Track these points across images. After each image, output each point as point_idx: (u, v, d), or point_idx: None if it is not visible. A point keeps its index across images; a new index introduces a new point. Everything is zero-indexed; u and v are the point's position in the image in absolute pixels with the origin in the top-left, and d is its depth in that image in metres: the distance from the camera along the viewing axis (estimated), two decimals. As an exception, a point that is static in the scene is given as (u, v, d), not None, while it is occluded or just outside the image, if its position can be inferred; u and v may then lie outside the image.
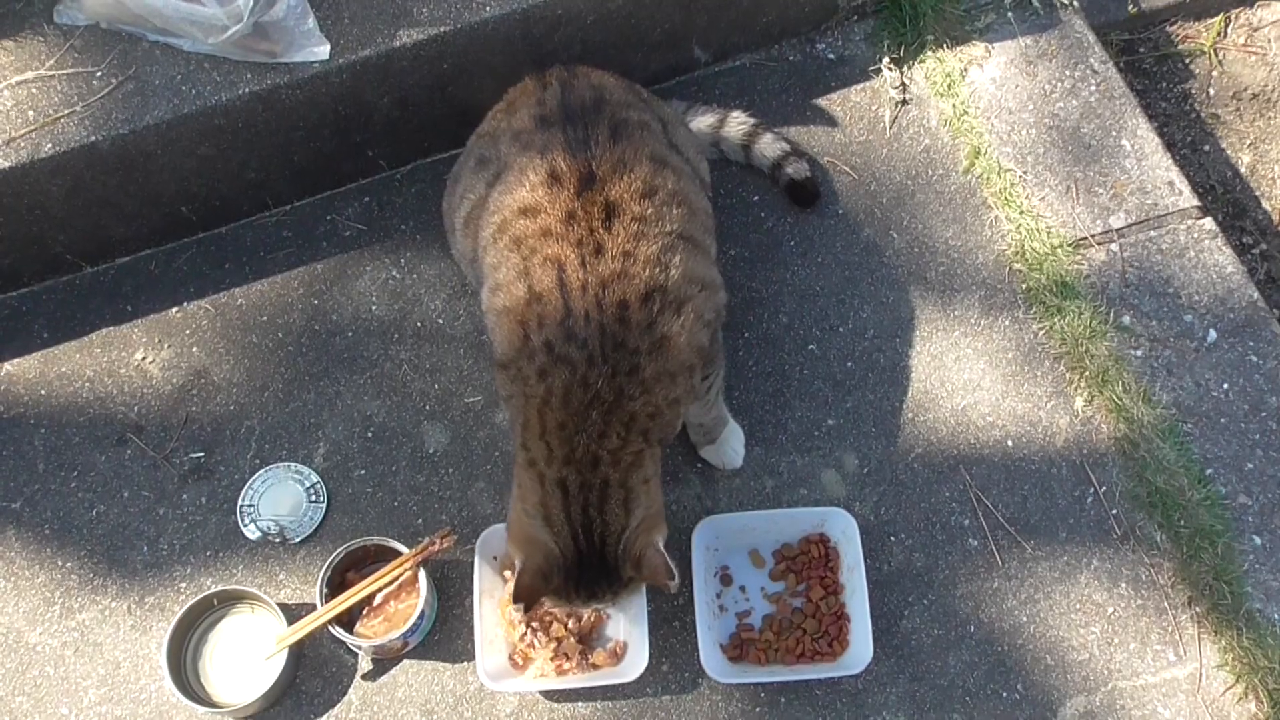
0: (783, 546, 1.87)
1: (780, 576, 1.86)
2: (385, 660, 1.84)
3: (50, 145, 1.89)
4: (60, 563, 1.91)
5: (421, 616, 1.80)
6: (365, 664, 1.84)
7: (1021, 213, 2.07)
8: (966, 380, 1.98)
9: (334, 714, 1.81)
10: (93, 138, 1.89)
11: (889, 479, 1.92)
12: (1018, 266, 2.05)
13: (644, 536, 1.55)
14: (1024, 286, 2.03)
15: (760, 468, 1.93)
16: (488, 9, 1.95)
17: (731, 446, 1.90)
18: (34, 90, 1.91)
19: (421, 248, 2.10)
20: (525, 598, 1.51)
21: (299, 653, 1.85)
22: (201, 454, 1.97)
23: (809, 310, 2.03)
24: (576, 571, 1.55)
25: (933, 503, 1.90)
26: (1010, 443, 1.94)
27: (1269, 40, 2.44)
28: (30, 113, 1.90)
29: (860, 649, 1.76)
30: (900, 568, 1.87)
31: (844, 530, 1.83)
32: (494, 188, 1.69)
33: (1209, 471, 1.88)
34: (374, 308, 2.06)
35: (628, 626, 1.81)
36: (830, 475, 1.93)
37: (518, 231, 1.61)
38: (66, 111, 1.89)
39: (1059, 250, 2.03)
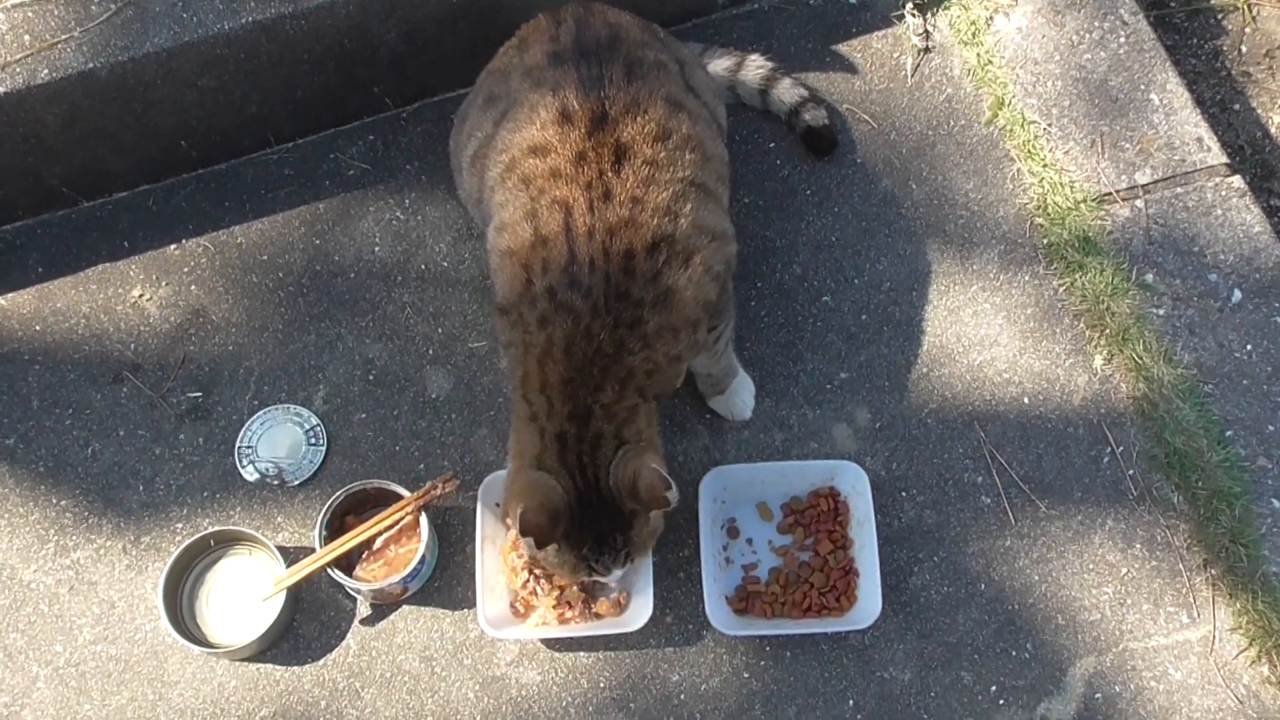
0: (791, 500, 1.89)
1: (788, 530, 1.88)
2: (384, 605, 1.86)
3: (47, 71, 1.88)
4: (55, 500, 1.93)
5: (422, 562, 1.81)
6: (364, 609, 1.86)
7: (1044, 166, 2.07)
8: (983, 336, 1.99)
9: (331, 658, 1.84)
10: (91, 65, 1.88)
11: (901, 434, 1.93)
12: (1039, 221, 2.06)
13: (634, 459, 1.55)
14: (1045, 242, 2.04)
15: (770, 420, 1.94)
16: (502, -59, 1.94)
17: (741, 398, 1.91)
18: (30, 14, 1.90)
19: (427, 189, 2.10)
20: (534, 532, 1.51)
21: (296, 596, 1.87)
22: (199, 394, 1.98)
23: (824, 261, 2.04)
24: (580, 511, 1.57)
25: (946, 459, 1.92)
26: (1027, 400, 1.95)
27: (1306, -4, 2.44)
28: (26, 37, 1.89)
29: (868, 604, 1.78)
30: (911, 524, 1.88)
31: (854, 484, 1.85)
32: (502, 125, 1.69)
33: (1229, 433, 1.89)
34: (377, 249, 2.06)
35: (632, 576, 1.81)
36: (842, 429, 1.94)
37: (526, 171, 1.61)
38: (64, 37, 1.88)
39: (1082, 205, 2.03)
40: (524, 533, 1.51)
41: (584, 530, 1.58)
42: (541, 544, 1.54)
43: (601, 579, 1.68)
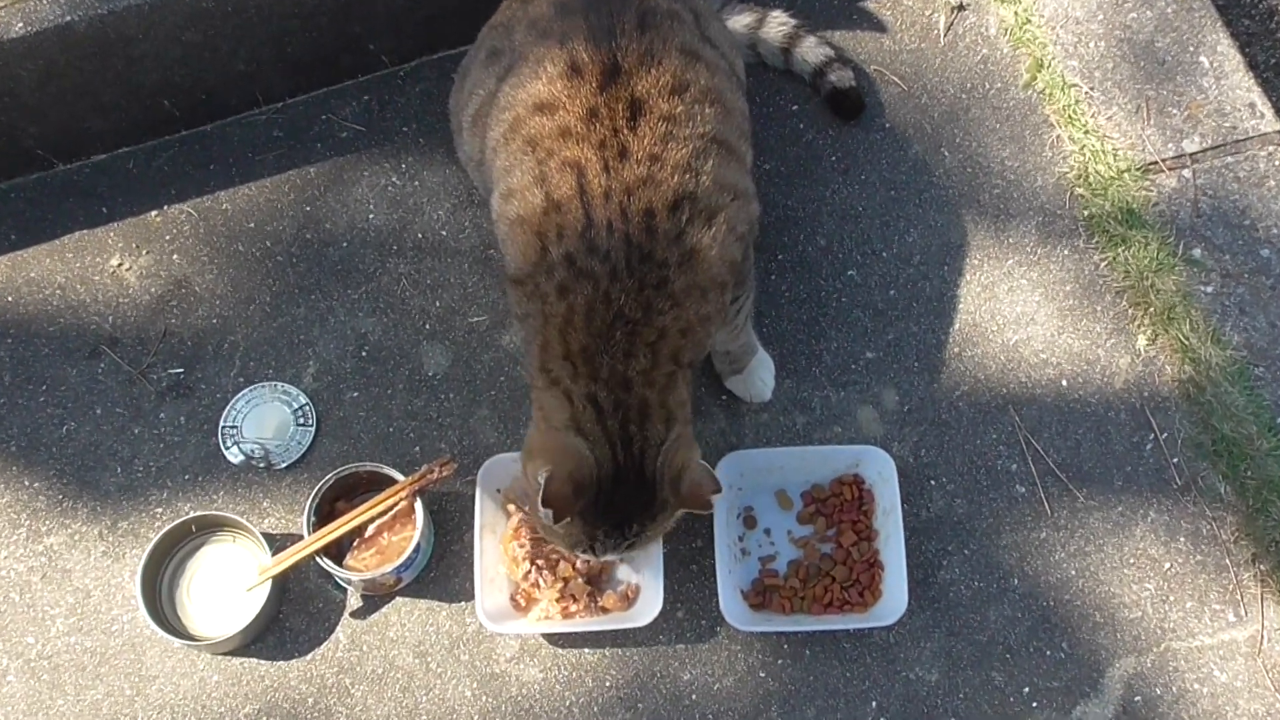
0: (813, 487, 1.87)
1: (809, 519, 1.86)
2: (376, 597, 1.85)
3: (21, 25, 1.86)
4: (27, 483, 1.91)
5: (417, 550, 1.80)
6: (354, 600, 1.85)
7: (1086, 133, 2.05)
8: (1019, 313, 1.97)
9: (319, 653, 1.82)
10: (68, 17, 1.86)
11: (931, 418, 1.91)
12: (1080, 191, 2.03)
13: (685, 451, 1.54)
14: (1086, 213, 2.02)
15: (790, 402, 1.92)
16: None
17: (760, 377, 1.90)
18: (3, -36, 1.88)
19: (425, 152, 2.08)
20: (556, 504, 1.48)
21: (283, 586, 1.85)
22: (181, 370, 1.96)
23: (849, 232, 2.01)
24: (611, 488, 1.54)
25: (978, 445, 1.90)
26: (1065, 382, 1.93)
27: (1365, -47, 2.38)
28: (-1, -12, 1.88)
29: (893, 600, 1.76)
30: (940, 514, 1.86)
31: (880, 471, 1.83)
32: (506, 81, 1.67)
33: (1281, 420, 1.88)
34: (371, 217, 2.04)
35: (641, 568, 1.81)
36: (867, 412, 1.92)
37: (532, 131, 1.59)
38: (39, -12, 1.87)
39: (1126, 175, 2.01)
40: (545, 502, 1.48)
41: (608, 510, 1.56)
42: (560, 518, 1.51)
43: (591, 558, 1.67)
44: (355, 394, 1.94)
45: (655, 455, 1.54)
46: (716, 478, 1.51)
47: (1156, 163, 2.01)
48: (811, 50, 2.06)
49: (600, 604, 1.80)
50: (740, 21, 2.04)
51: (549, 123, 1.57)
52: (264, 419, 1.93)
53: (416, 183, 2.06)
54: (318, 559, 1.79)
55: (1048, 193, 2.03)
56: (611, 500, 1.55)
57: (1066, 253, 2.00)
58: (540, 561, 1.80)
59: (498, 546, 1.82)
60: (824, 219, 2.02)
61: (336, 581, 1.85)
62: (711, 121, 1.59)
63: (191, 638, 1.81)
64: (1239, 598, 1.81)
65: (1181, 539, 1.84)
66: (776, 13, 2.06)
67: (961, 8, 2.15)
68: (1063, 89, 2.07)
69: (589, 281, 1.51)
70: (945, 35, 2.13)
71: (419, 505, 1.80)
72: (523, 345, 1.64)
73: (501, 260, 1.69)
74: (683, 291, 1.53)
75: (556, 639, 1.81)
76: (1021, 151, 2.06)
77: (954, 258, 2.00)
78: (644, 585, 1.80)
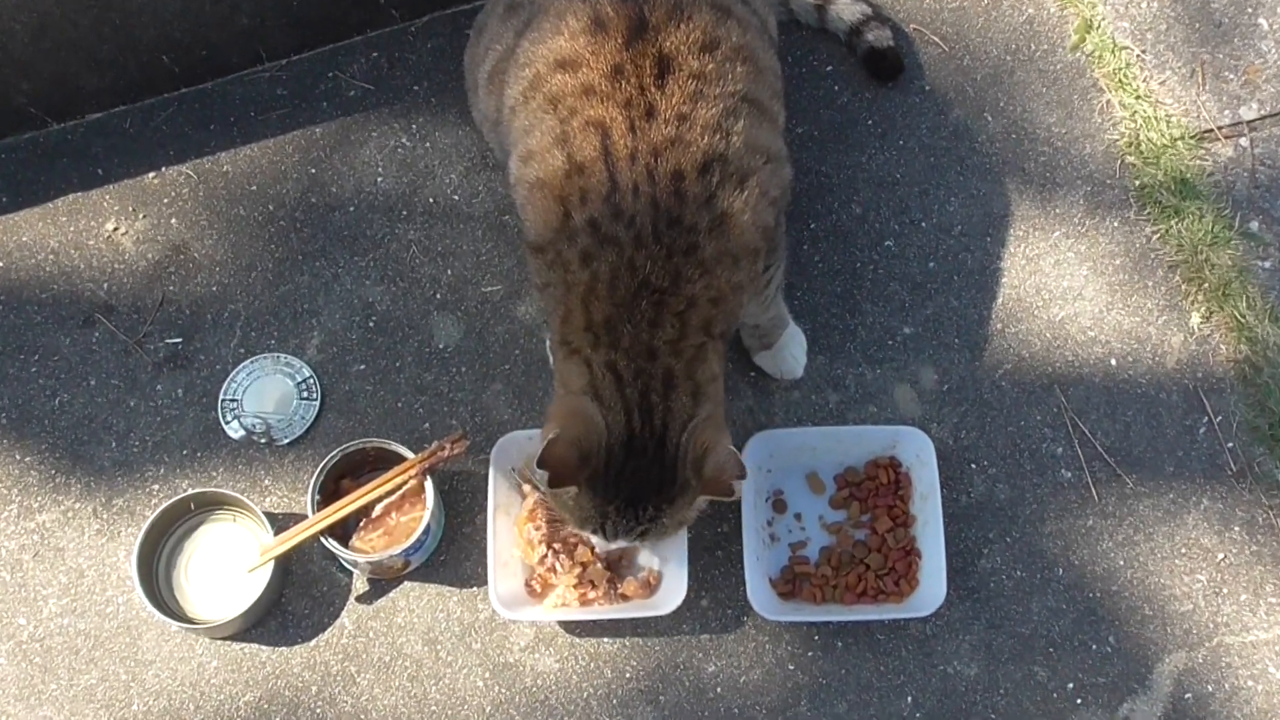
0: (846, 470, 1.86)
1: (842, 504, 1.85)
2: (383, 581, 1.83)
3: None
4: (18, 457, 1.90)
5: (426, 532, 1.78)
6: (360, 584, 1.84)
7: (1137, 98, 2.02)
8: (1066, 288, 1.95)
9: (324, 639, 1.81)
10: None
11: (972, 398, 1.90)
12: (1131, 160, 2.01)
13: (712, 431, 1.51)
14: (1137, 183, 2.00)
15: (823, 379, 1.90)
16: None
17: (791, 353, 1.88)
18: (-6, -92, 1.87)
19: (437, 112, 2.06)
20: (555, 467, 1.45)
21: (285, 568, 1.84)
22: (179, 340, 1.95)
23: (887, 201, 1.99)
24: (623, 459, 1.51)
25: (1021, 427, 1.88)
26: (1114, 362, 1.91)
27: None
28: (-10, -65, 1.86)
29: (931, 589, 1.75)
30: (981, 499, 1.85)
31: (918, 453, 1.81)
32: (525, 36, 1.64)
33: (1345, 403, 1.86)
34: (380, 180, 2.03)
35: (664, 554, 1.79)
36: (904, 391, 1.90)
37: (554, 89, 1.56)
38: (32, -66, 1.85)
39: (1179, 143, 1.99)
40: (542, 463, 1.45)
41: (619, 483, 1.52)
42: (557, 483, 1.48)
43: (601, 541, 1.64)
44: (362, 366, 1.93)
45: (679, 430, 1.51)
46: (743, 463, 1.47)
47: (1212, 130, 1.99)
48: (847, 8, 2.03)
49: (620, 591, 1.77)
50: (772, -24, 2.00)
51: (571, 80, 1.54)
52: (266, 392, 1.91)
53: (428, 144, 2.04)
54: (322, 540, 1.78)
55: (1097, 161, 2.01)
56: (623, 473, 1.52)
57: (1116, 224, 1.98)
58: (557, 545, 1.77)
59: (512, 529, 1.80)
60: (860, 186, 2.00)
61: (341, 564, 1.83)
62: (743, 80, 1.57)
63: (189, 621, 1.79)
64: (1297, 591, 1.80)
65: (1236, 528, 1.82)
66: (811, -33, 2.03)
67: (1006, -36, 2.11)
68: (1113, 51, 2.04)
69: (613, 248, 1.49)
70: (989, -7, 2.11)
71: (429, 484, 1.78)
72: (543, 316, 1.62)
73: (519, 227, 1.66)
74: (713, 258, 1.51)
75: (573, 627, 1.80)
76: (1069, 117, 2.03)
77: (997, 228, 1.98)
78: (667, 572, 1.78)
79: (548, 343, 1.85)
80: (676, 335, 1.50)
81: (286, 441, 1.89)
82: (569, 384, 1.54)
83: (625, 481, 1.52)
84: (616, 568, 1.79)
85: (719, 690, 1.77)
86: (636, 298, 1.49)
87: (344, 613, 1.81)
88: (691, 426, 1.51)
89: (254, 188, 2.02)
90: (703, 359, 1.53)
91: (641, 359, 1.50)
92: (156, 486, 1.87)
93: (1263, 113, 1.99)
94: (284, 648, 1.80)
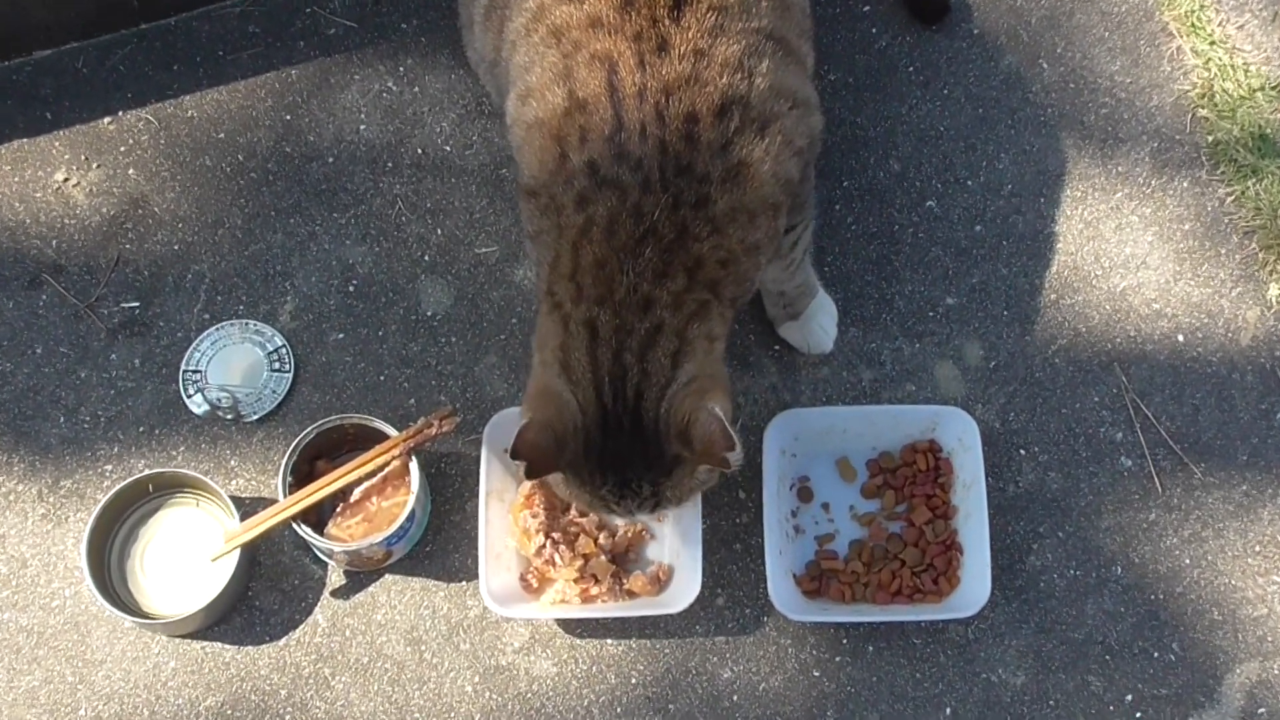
0: (880, 455, 1.87)
1: (875, 493, 1.86)
2: (362, 573, 1.85)
3: None
4: None
5: (411, 519, 1.79)
6: (337, 576, 1.85)
7: (1211, 44, 2.04)
8: (1129, 255, 1.96)
9: (295, 637, 1.82)
10: None
11: (1022, 376, 1.91)
12: (1203, 113, 2.02)
13: (694, 397, 1.52)
14: (1210, 139, 2.01)
15: (856, 354, 1.92)
16: None
17: (819, 324, 1.90)
18: None
19: (427, 53, 2.08)
20: (527, 455, 1.48)
21: (252, 557, 1.85)
22: (136, 304, 1.97)
23: (929, 156, 2.01)
24: (600, 439, 1.52)
25: (1077, 409, 1.89)
26: (1181, 338, 1.92)
27: None
28: None
29: (973, 588, 1.76)
30: (1031, 489, 1.86)
31: (961, 437, 1.82)
32: None
33: None
34: (363, 128, 2.04)
35: (676, 546, 1.81)
36: (946, 368, 1.91)
37: (557, 21, 1.58)
38: None
39: (1259, 94, 2.00)
40: (515, 453, 1.48)
41: (603, 464, 1.54)
42: (535, 473, 1.51)
43: (619, 520, 1.66)
44: (340, 335, 1.94)
45: (656, 400, 1.52)
46: (729, 431, 1.47)
47: (1295, 81, 2.02)
48: (887, -60, 2.05)
49: (626, 587, 1.79)
50: (803, -96, 2.01)
51: (577, 12, 1.56)
52: (233, 363, 1.93)
53: (416, 89, 2.05)
54: (294, 526, 1.79)
55: (1165, 114, 2.03)
56: (604, 453, 1.54)
57: (1186, 185, 1.99)
58: (556, 535, 1.79)
59: (506, 516, 1.82)
60: (899, 140, 2.01)
61: (315, 554, 1.84)
62: (768, 15, 1.58)
63: (145, 616, 1.81)
64: (1384, 596, 1.82)
65: (1317, 525, 1.85)
66: (846, -106, 2.05)
67: (1065, -106, 2.13)
68: (1185, -9, 2.07)
69: (614, 192, 1.50)
70: (1046, -74, 2.12)
71: (414, 466, 1.80)
72: (534, 268, 1.64)
73: (516, 176, 1.68)
74: (726, 214, 1.52)
75: (574, 627, 1.81)
76: (1134, 65, 2.05)
77: (1052, 189, 1.99)
78: (678, 566, 1.79)
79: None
80: (682, 287, 1.51)
81: (255, 418, 1.90)
82: (543, 346, 1.56)
83: (609, 462, 1.54)
84: (622, 561, 1.81)
85: (735, 699, 1.78)
86: (639, 245, 1.50)
87: (318, 608, 1.82)
88: (670, 394, 1.52)
89: (221, 135, 2.03)
90: (703, 317, 1.54)
91: (632, 312, 1.51)
92: (109, 467, 1.89)
93: (1352, 62, 2.02)
94: (250, 647, 1.81)
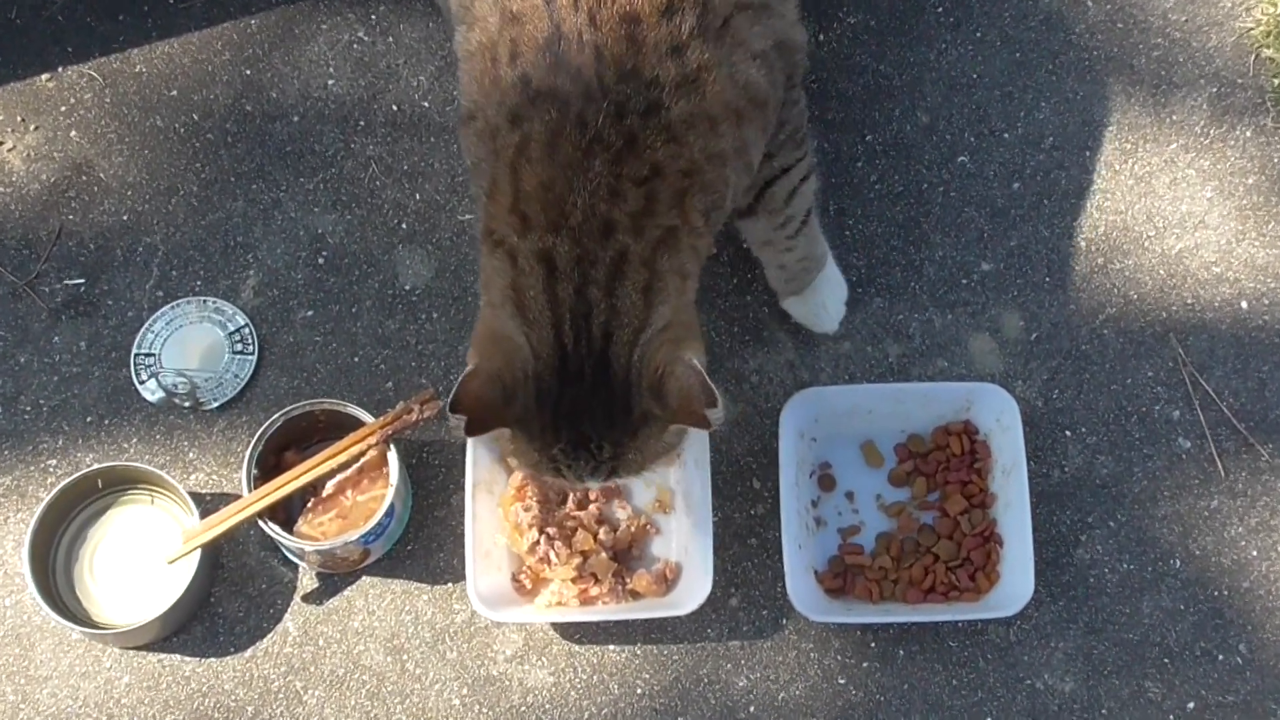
0: (910, 438, 1.88)
1: (904, 480, 1.87)
2: (337, 575, 1.86)
3: None
4: None
5: (390, 514, 1.80)
6: (308, 579, 1.86)
7: None
8: (1185, 213, 1.97)
9: (262, 648, 1.83)
10: None
11: (1066, 349, 1.92)
12: (1268, 53, 2.03)
13: (669, 346, 1.51)
14: (1276, 83, 2.02)
15: (881, 327, 1.93)
16: None
17: (823, 301, 1.91)
18: None
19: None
20: (469, 408, 1.46)
21: (214, 560, 1.86)
22: (81, 281, 1.98)
23: (961, 107, 2.02)
24: (556, 387, 1.51)
25: (1128, 385, 1.90)
26: (1244, 305, 1.94)
27: None
28: None
29: (1015, 585, 1.77)
30: (1078, 474, 1.87)
31: (999, 417, 1.83)
32: None
33: None
34: (331, 83, 2.05)
35: (684, 542, 1.82)
36: (982, 341, 1.92)
37: None
38: None
39: None
40: (455, 406, 1.46)
41: (557, 417, 1.53)
42: (476, 429, 1.50)
43: (568, 486, 1.65)
44: (309, 313, 1.95)
45: (627, 345, 1.51)
46: (709, 384, 1.46)
47: (1370, 17, 2.02)
48: None
49: (629, 587, 1.80)
50: None
51: None
52: (190, 344, 1.94)
53: (390, 39, 2.06)
54: (260, 524, 1.80)
55: (1224, 55, 2.03)
56: (561, 406, 1.52)
57: (1249, 134, 2.00)
58: (551, 530, 1.80)
59: (496, 510, 1.83)
60: (927, 89, 2.02)
61: (285, 554, 1.85)
62: None
63: (95, 627, 1.81)
64: None
65: (1397, 511, 1.86)
66: None
67: None
68: (1246, -82, 2.08)
69: (551, 103, 1.50)
70: None
71: (393, 456, 1.80)
72: (475, 205, 1.64)
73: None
74: (682, 121, 1.51)
75: (572, 632, 1.82)
76: (1190, 1, 2.05)
77: (1098, 140, 2.00)
78: (687, 564, 1.80)
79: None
80: (640, 208, 1.51)
81: (216, 405, 1.91)
82: (489, 287, 1.55)
83: (565, 417, 1.52)
84: (625, 558, 1.82)
85: (752, 710, 1.79)
86: (587, 158, 1.49)
87: (287, 615, 1.83)
88: (644, 340, 1.51)
89: (174, 93, 2.04)
90: (672, 246, 1.52)
91: (592, 238, 1.50)
92: (54, 461, 1.89)
93: None
94: (213, 659, 1.82)
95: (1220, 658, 1.80)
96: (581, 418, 1.51)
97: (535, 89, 1.50)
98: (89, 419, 1.91)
